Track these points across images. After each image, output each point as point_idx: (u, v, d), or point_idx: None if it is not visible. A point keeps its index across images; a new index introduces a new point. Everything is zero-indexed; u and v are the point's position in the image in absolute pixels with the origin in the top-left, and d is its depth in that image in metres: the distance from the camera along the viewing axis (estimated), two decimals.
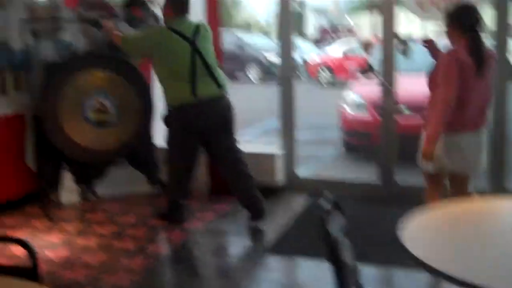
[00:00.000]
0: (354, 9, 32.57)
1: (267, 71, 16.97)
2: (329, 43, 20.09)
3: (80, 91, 4.97)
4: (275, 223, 4.84)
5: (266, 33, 25.23)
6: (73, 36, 5.18)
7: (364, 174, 6.00)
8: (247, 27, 28.92)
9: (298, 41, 15.83)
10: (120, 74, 5.07)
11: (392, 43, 5.15)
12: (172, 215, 4.85)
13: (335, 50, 17.53)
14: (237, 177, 4.72)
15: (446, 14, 3.68)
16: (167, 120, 4.64)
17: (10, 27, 4.91)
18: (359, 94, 7.31)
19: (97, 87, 5.02)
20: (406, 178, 5.30)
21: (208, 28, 4.71)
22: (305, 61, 17.36)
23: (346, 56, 16.32)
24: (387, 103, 5.28)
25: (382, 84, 5.22)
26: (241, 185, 4.73)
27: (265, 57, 17.33)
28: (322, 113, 10.03)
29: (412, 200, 3.55)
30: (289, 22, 5.52)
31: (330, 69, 16.61)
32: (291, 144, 5.71)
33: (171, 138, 4.65)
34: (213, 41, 4.73)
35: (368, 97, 6.92)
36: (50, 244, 4.48)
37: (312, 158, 7.28)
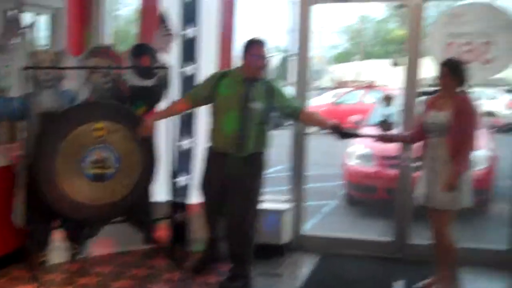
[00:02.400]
0: (339, 58, 32.99)
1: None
2: (320, 93, 20.05)
3: (80, 142, 4.66)
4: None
5: None
6: (76, 85, 4.91)
7: (370, 230, 5.77)
8: None
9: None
10: (123, 125, 4.78)
11: (414, 95, 5.05)
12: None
13: (325, 99, 17.45)
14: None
15: (452, 67, 4.16)
16: None
17: (10, 74, 4.60)
18: (366, 144, 7.06)
19: (98, 139, 4.73)
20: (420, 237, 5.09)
21: None
22: None
23: (336, 104, 16.25)
24: (405, 157, 5.08)
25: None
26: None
27: None
28: (319, 163, 9.75)
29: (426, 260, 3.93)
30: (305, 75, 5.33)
31: None
32: (301, 198, 5.46)
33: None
34: None
35: (375, 148, 6.70)
36: None
37: (313, 212, 6.97)
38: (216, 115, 4.49)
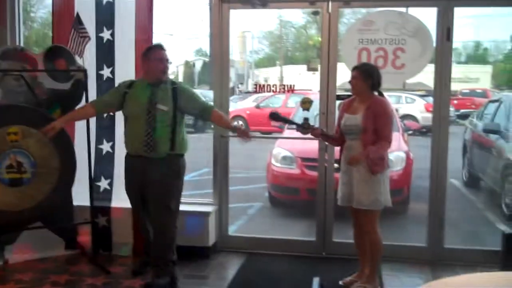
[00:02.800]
0: (261, 62, 33.32)
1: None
2: (243, 97, 20.13)
3: None
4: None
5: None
6: None
7: (294, 230, 5.83)
8: None
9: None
10: (39, 128, 4.61)
11: (331, 99, 5.15)
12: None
13: (247, 103, 17.54)
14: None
15: (363, 70, 4.26)
16: None
17: None
18: (286, 147, 7.15)
19: (12, 144, 4.58)
20: (342, 235, 5.22)
21: None
22: None
23: (259, 108, 16.36)
24: (324, 159, 5.20)
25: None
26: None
27: None
28: (244, 166, 9.80)
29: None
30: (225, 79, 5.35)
31: (244, 120, 16.56)
32: (225, 200, 5.47)
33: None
34: None
35: (296, 151, 6.80)
36: None
37: (237, 214, 6.99)
38: (127, 122, 4.53)
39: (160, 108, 4.38)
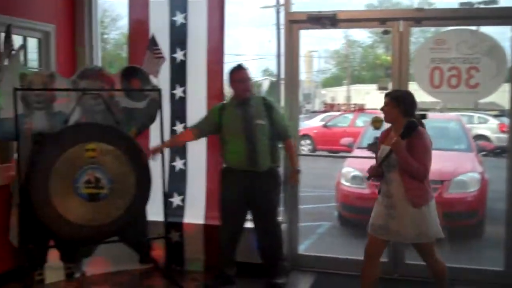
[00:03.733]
0: (328, 82, 33.25)
1: None
2: (310, 116, 20.13)
3: (73, 164, 4.67)
4: None
5: None
6: (68, 107, 4.90)
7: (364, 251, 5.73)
8: None
9: None
10: (116, 146, 4.79)
11: None
12: None
13: (314, 122, 17.53)
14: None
15: (393, 97, 4.08)
16: None
17: (0, 96, 4.58)
18: (357, 167, 7.08)
19: (90, 160, 4.73)
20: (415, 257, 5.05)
21: None
22: None
23: (326, 127, 16.32)
24: None
25: None
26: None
27: None
28: (313, 185, 9.75)
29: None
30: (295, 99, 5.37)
31: (311, 139, 16.53)
32: (295, 218, 5.45)
33: None
34: None
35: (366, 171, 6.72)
36: None
37: (307, 232, 6.95)
38: (226, 141, 4.82)
39: (258, 123, 4.66)
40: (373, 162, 4.27)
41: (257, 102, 4.77)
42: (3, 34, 4.78)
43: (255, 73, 27.66)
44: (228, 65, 5.21)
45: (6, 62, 4.70)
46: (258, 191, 4.74)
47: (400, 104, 4.02)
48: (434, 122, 7.65)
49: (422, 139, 3.96)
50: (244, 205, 4.81)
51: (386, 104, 4.08)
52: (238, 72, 4.76)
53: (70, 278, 5.10)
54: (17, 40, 5.03)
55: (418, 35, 9.42)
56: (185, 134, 5.10)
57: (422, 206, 3.96)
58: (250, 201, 4.79)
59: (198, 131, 4.92)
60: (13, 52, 4.73)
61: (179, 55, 5.37)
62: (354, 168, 7.13)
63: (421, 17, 5.00)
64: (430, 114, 4.56)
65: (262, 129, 4.69)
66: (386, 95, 4.14)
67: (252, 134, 4.66)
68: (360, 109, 5.33)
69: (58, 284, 5.00)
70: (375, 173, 4.11)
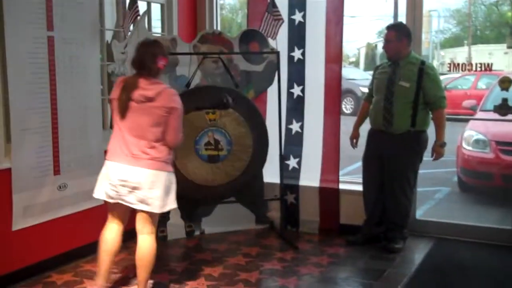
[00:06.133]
0: (447, 43, 31.76)
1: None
2: None
3: (194, 125, 4.81)
4: (398, 272, 4.47)
5: (355, 65, 24.94)
6: (189, 71, 5.04)
7: (484, 218, 5.67)
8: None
9: None
10: (234, 108, 4.88)
11: None
12: None
13: None
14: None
15: None
16: None
17: (126, 61, 4.77)
18: (480, 130, 6.76)
19: (210, 122, 4.86)
20: None
21: None
22: None
23: (446, 90, 15.70)
24: None
25: None
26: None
27: (360, 90, 17.00)
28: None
29: None
30: None
31: None
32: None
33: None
34: None
35: (490, 134, 6.42)
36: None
37: (424, 198, 6.78)
38: (372, 98, 4.94)
39: (402, 85, 4.63)
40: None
41: (411, 64, 4.71)
42: (128, 0, 4.96)
43: (370, 35, 27.01)
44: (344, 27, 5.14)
45: (132, 27, 4.89)
46: (389, 153, 4.74)
47: None
48: None
49: None
50: (382, 165, 4.81)
51: None
52: (386, 32, 4.84)
53: (190, 236, 5.32)
54: (141, 6, 5.21)
55: None
56: (363, 107, 5.16)
57: None
58: (383, 162, 4.80)
59: (369, 97, 5.06)
60: (138, 17, 4.90)
61: (297, 16, 5.33)
62: (477, 131, 6.81)
63: None
64: None
65: (405, 91, 4.64)
66: None
67: (392, 94, 4.68)
68: (488, 68, 5.05)
69: (179, 241, 5.23)
70: None
